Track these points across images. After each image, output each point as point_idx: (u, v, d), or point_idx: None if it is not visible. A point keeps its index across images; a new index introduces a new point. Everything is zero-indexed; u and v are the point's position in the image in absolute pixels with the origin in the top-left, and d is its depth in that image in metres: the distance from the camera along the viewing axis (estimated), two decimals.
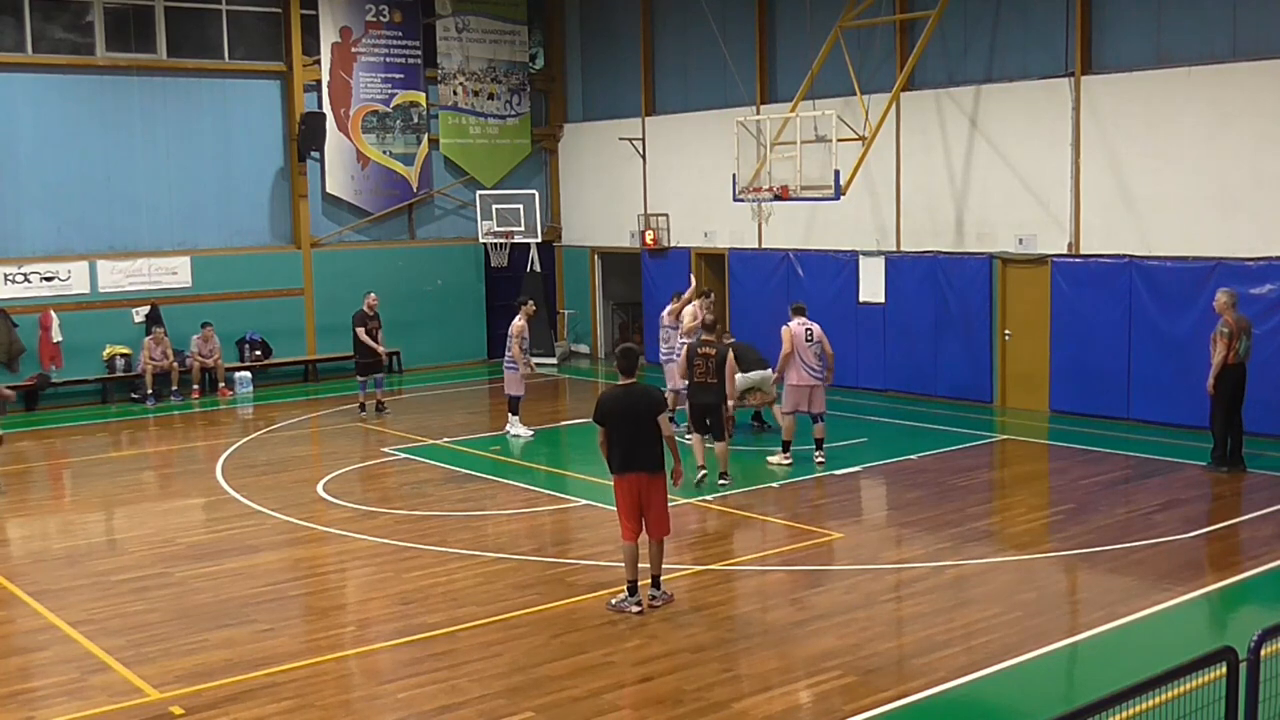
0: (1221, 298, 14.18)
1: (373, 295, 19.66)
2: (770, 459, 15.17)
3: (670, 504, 13.73)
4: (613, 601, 10.03)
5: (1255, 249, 16.01)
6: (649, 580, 10.09)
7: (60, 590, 10.96)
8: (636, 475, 9.86)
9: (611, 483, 10.12)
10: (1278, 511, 12.52)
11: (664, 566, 10.21)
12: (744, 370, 15.74)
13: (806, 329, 15.08)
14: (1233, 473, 14.11)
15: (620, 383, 10.07)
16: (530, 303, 18.25)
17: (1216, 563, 10.90)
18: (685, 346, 14.85)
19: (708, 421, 14.20)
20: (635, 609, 9.84)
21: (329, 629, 9.88)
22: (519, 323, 17.50)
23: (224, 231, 22.88)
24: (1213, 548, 11.37)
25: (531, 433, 17.51)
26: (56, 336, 20.73)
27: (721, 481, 14.09)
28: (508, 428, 17.57)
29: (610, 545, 11.86)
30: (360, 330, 19.12)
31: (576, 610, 9.97)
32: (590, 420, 10.36)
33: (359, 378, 19.45)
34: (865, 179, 19.14)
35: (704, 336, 14.54)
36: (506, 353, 17.56)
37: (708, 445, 14.29)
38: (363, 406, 19.44)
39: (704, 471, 14.14)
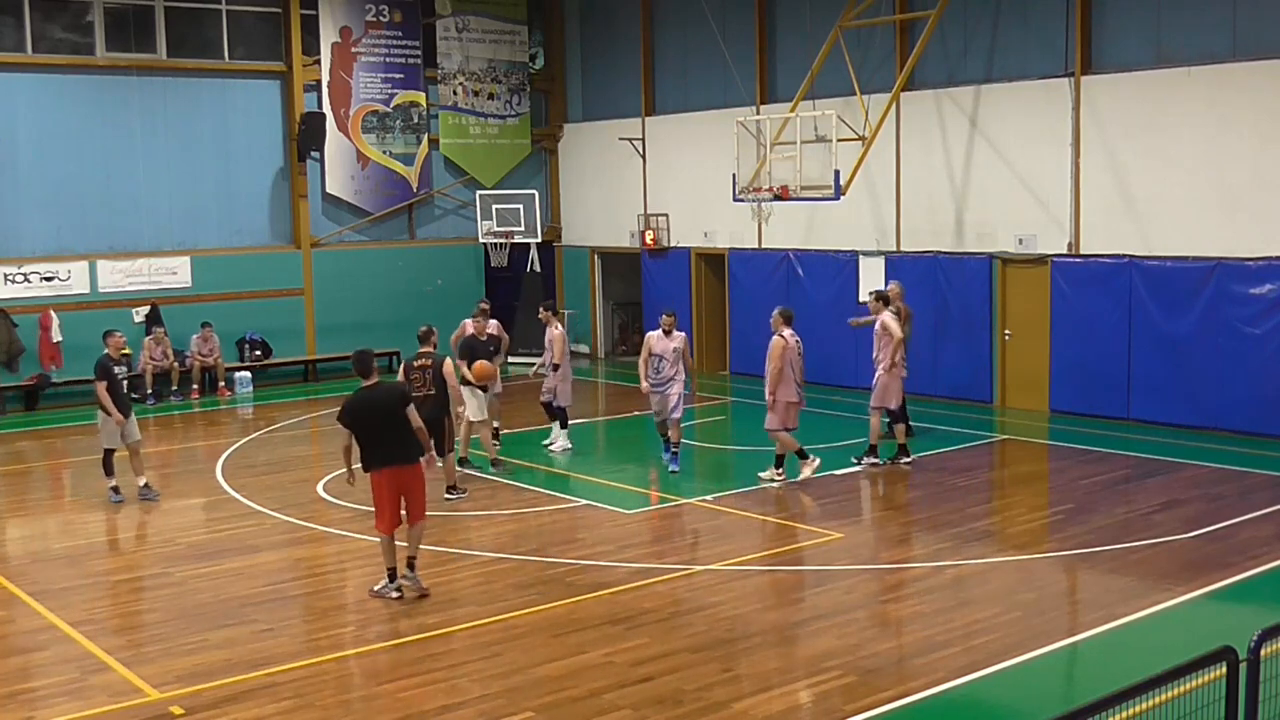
0: (894, 287, 16.37)
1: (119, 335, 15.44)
2: (763, 474, 14.40)
3: (669, 503, 13.76)
4: (375, 589, 10.44)
5: (1255, 249, 16.00)
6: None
7: (60, 590, 10.95)
8: (397, 469, 10.23)
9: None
10: (1278, 511, 12.52)
11: (662, 565, 10.20)
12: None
13: (797, 340, 14.20)
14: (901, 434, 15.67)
15: (363, 385, 10.35)
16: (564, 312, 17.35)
17: (1216, 563, 10.88)
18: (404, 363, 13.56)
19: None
20: (395, 594, 10.30)
21: (329, 629, 9.87)
22: (555, 331, 16.50)
23: (224, 231, 22.88)
24: (1213, 548, 11.36)
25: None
26: (56, 336, 20.71)
27: (448, 497, 13.53)
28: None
29: (611, 545, 11.86)
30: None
31: (576, 610, 9.96)
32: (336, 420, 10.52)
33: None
34: (865, 179, 19.12)
35: (421, 349, 13.45)
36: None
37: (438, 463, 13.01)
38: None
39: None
